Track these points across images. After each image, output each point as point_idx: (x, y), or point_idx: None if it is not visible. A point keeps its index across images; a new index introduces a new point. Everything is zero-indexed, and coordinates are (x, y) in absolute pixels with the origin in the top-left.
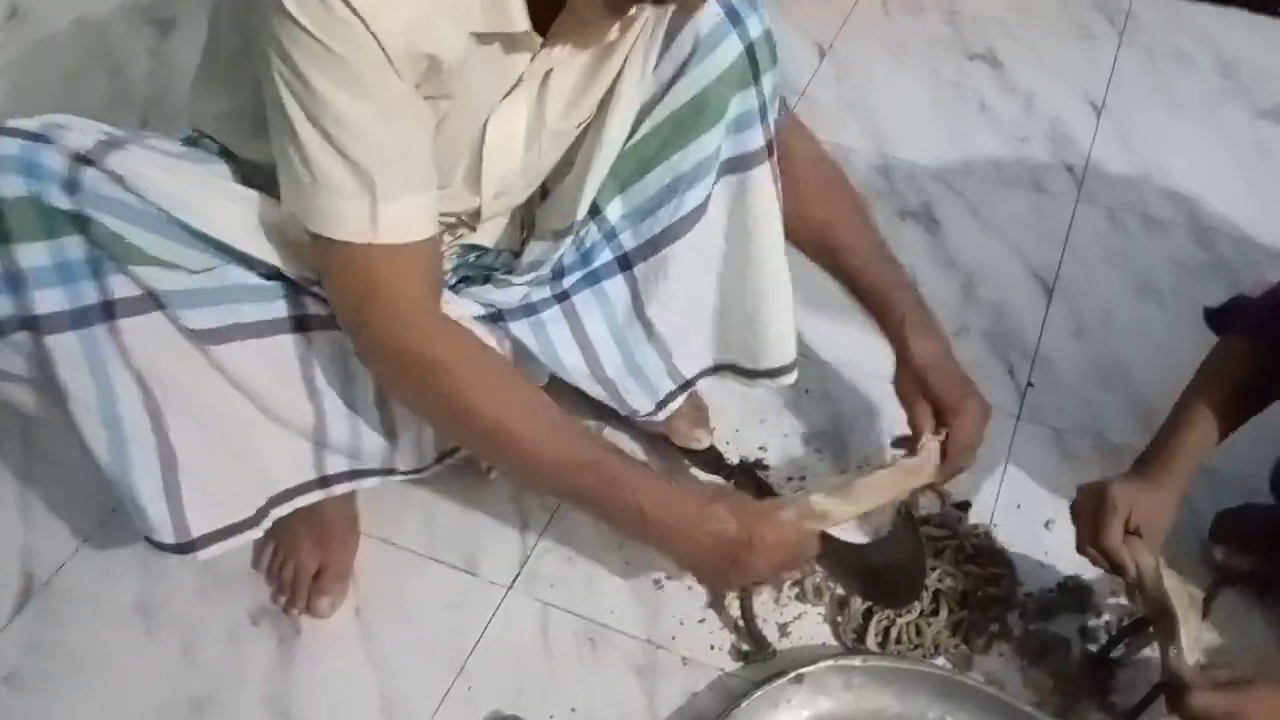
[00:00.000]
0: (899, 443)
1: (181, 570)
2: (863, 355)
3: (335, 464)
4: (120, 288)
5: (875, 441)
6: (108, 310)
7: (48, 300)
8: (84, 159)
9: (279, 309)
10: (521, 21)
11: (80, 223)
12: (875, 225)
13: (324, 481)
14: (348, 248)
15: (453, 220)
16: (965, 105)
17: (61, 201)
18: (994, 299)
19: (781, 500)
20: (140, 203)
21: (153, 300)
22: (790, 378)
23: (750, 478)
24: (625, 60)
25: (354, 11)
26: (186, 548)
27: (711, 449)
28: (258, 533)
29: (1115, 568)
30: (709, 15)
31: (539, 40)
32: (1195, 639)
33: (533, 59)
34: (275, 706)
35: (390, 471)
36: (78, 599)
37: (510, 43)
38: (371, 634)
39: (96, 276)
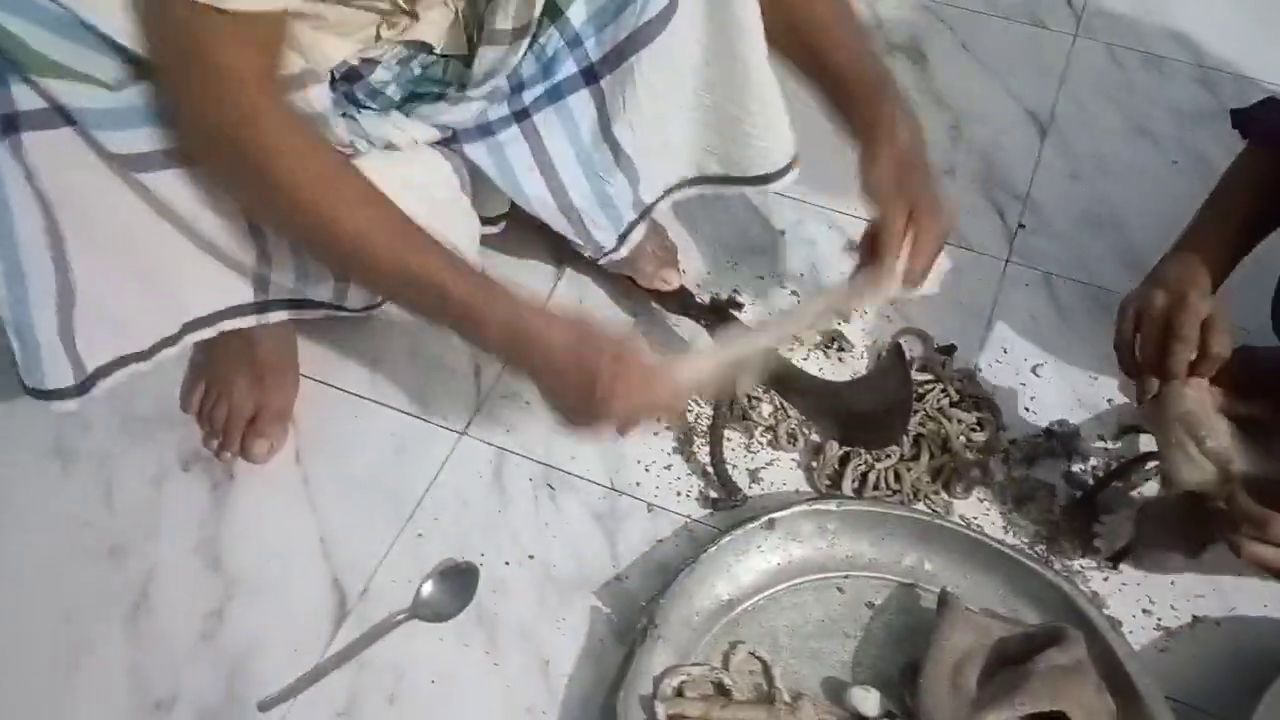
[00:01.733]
0: (858, 246)
1: (103, 410)
2: (839, 197)
3: (277, 289)
4: (24, 98)
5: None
6: (7, 123)
7: None
8: None
9: None
10: None
11: None
12: (862, 26)
13: (261, 307)
14: (183, 8)
15: (386, 6)
16: None
17: None
18: (984, 138)
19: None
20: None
21: (61, 116)
22: (785, 181)
23: (721, 316)
24: None
25: None
26: (82, 388)
27: (680, 289)
28: (152, 363)
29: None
30: None
31: None
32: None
33: None
34: (205, 555)
35: (338, 307)
36: None
37: None
38: (312, 480)
39: None
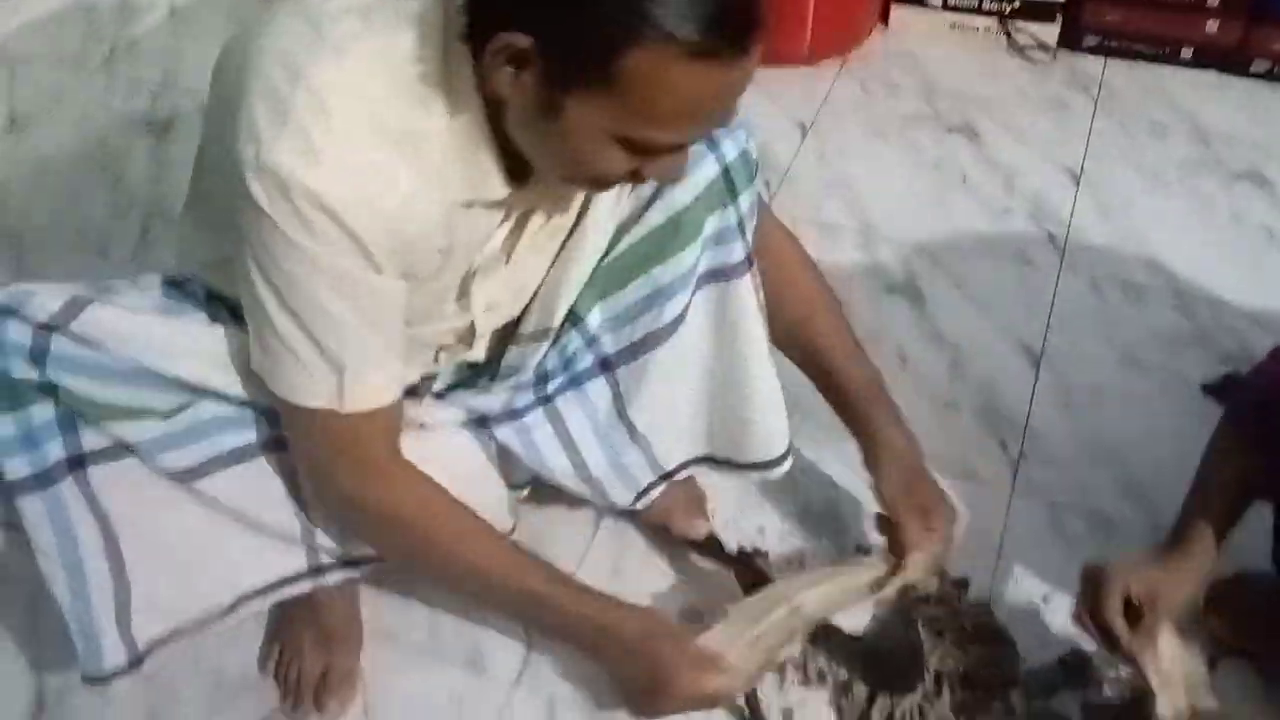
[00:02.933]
0: (878, 522)
1: (188, 684)
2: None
3: (327, 554)
4: (91, 441)
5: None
6: (76, 463)
7: (14, 467)
8: (49, 326)
9: (256, 434)
10: (501, 189)
11: (49, 388)
12: (849, 324)
13: (316, 571)
14: (313, 413)
15: (450, 340)
16: (946, 179)
17: (28, 374)
18: (982, 373)
19: (716, 640)
20: (107, 359)
21: (125, 448)
22: (782, 469)
23: (749, 567)
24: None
25: (325, 211)
26: (132, 667)
27: (711, 536)
28: (207, 634)
29: (1108, 641)
30: None
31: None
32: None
33: (510, 210)
34: None
35: (382, 559)
36: (89, 717)
37: (492, 203)
38: None
39: (65, 433)
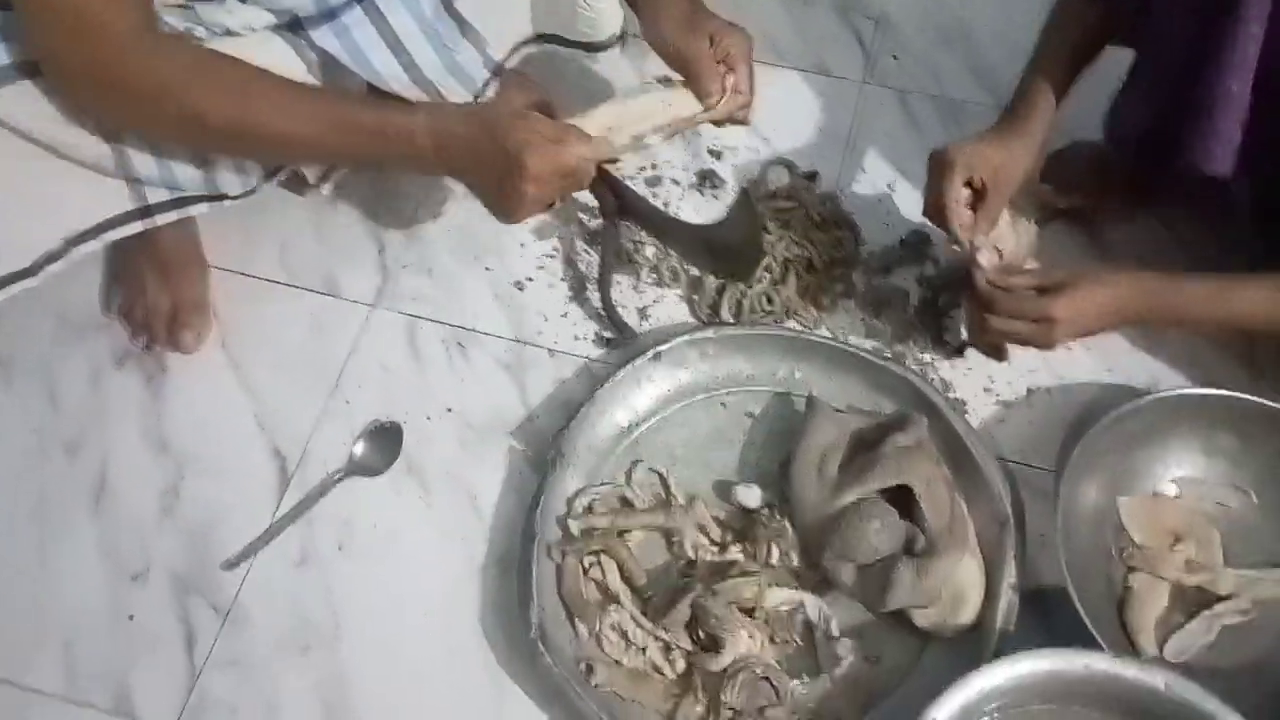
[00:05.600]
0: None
1: (32, 321)
2: None
3: (155, 194)
4: None
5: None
6: None
7: None
8: None
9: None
10: None
11: None
12: None
13: (145, 212)
14: None
15: None
16: None
17: None
18: None
19: (557, 126)
20: None
21: None
22: (611, 52)
23: (603, 180)
24: None
25: None
26: None
27: None
28: (40, 279)
29: (943, 225)
30: None
31: None
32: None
33: None
34: (152, 440)
35: (220, 197)
36: None
37: None
38: (240, 362)
39: None
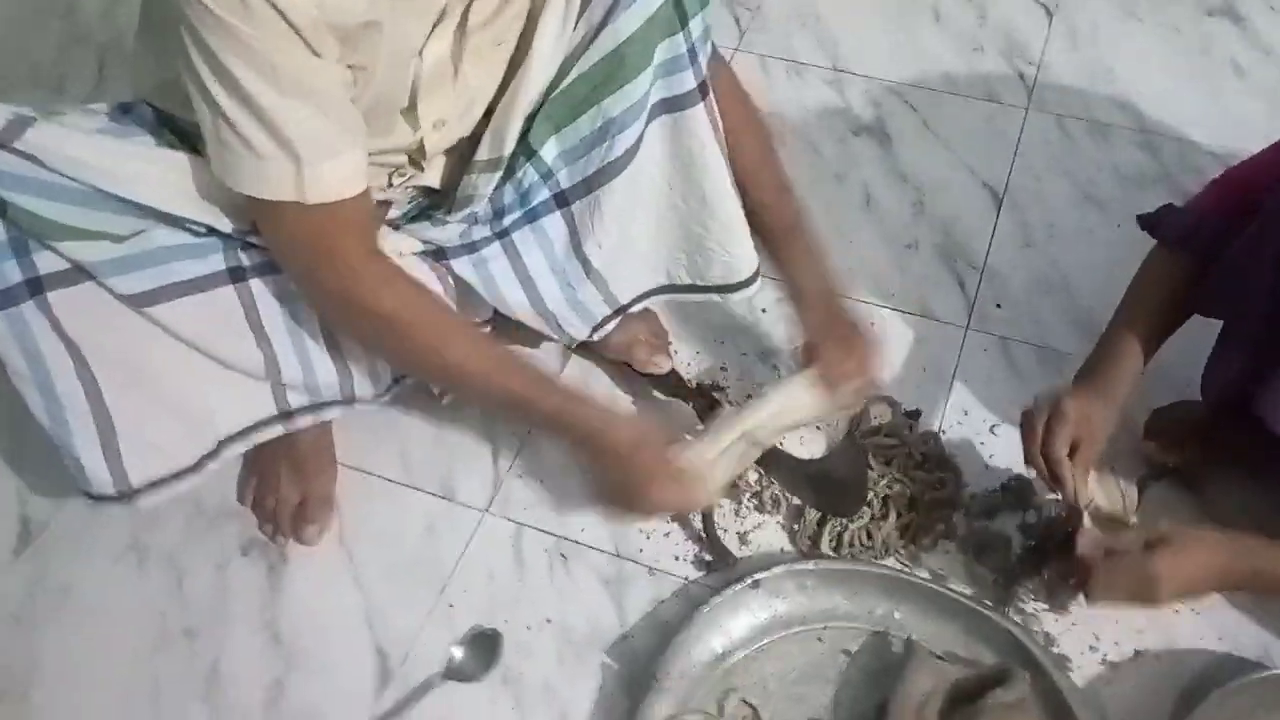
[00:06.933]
0: (803, 353)
1: (170, 509)
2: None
3: (295, 399)
4: (46, 263)
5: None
6: (34, 286)
7: None
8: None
9: (213, 263)
10: None
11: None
12: (777, 158)
13: (286, 416)
14: (280, 207)
15: (401, 160)
16: (918, 14)
17: None
18: (944, 212)
19: (687, 445)
20: (57, 178)
21: (81, 271)
22: (749, 292)
23: (709, 401)
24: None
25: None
26: (127, 497)
27: (672, 373)
28: (202, 475)
29: (1055, 478)
30: None
31: None
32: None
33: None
34: (267, 632)
35: (351, 400)
36: (74, 540)
37: None
38: (355, 559)
39: (19, 255)
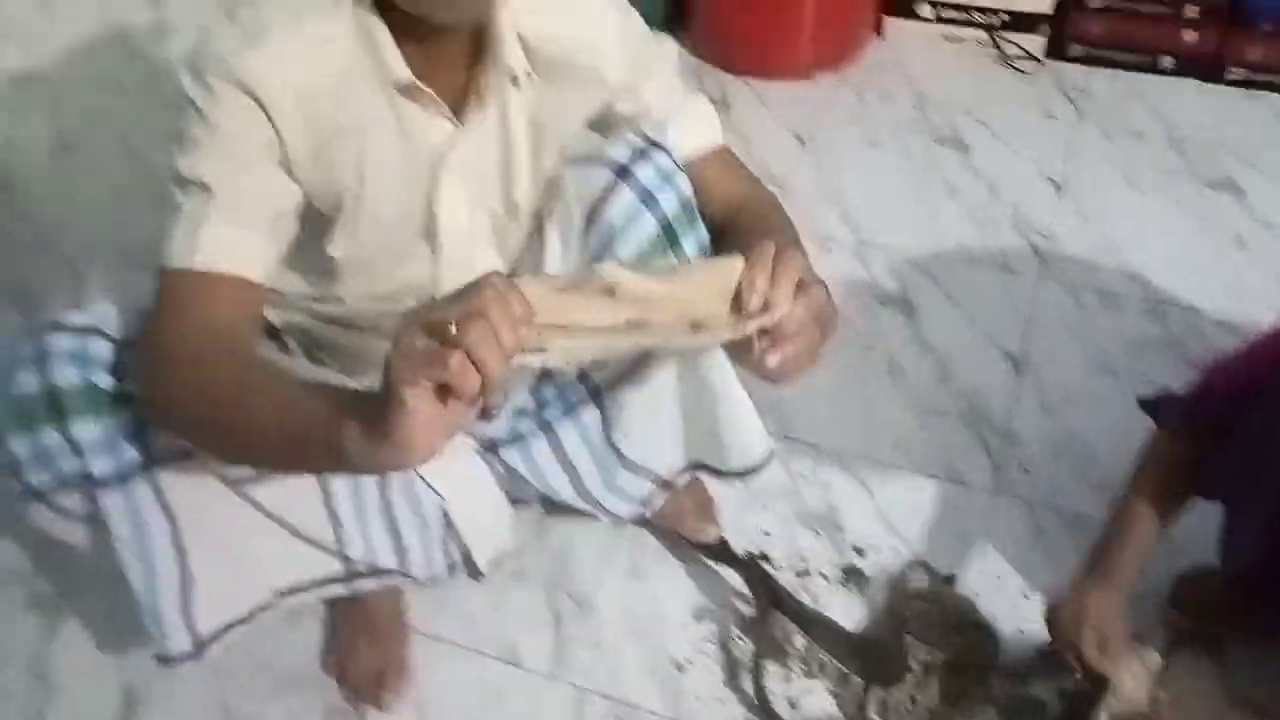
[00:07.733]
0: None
1: (254, 679)
2: (849, 439)
3: (358, 562)
4: (160, 443)
5: (870, 526)
6: (149, 462)
7: (101, 466)
8: (129, 343)
9: None
10: (401, 68)
11: (126, 398)
12: (787, 219)
13: (349, 576)
14: (170, 277)
15: None
16: (936, 190)
17: (109, 384)
18: (967, 380)
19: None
20: None
21: (187, 453)
22: (761, 474)
23: (755, 569)
24: (545, 232)
25: (237, 83)
26: (198, 652)
27: (720, 541)
28: (253, 621)
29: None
30: (622, 201)
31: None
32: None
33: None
34: None
35: (406, 575)
36: (168, 707)
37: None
38: None
39: (138, 438)
